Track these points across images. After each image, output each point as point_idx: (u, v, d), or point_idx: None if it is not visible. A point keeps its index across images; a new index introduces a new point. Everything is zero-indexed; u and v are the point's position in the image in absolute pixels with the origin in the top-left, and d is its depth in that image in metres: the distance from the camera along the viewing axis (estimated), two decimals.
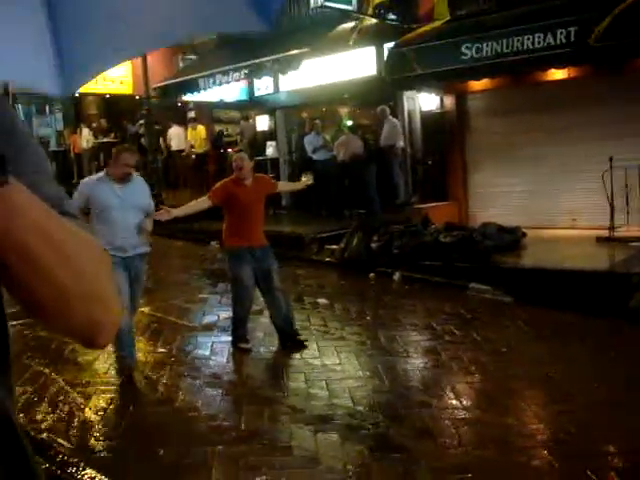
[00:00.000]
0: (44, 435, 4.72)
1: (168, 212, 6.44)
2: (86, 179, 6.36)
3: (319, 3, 11.94)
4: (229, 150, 18.20)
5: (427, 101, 14.20)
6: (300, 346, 6.75)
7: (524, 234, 11.18)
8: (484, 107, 13.88)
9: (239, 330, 6.72)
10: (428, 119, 14.19)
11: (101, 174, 6.06)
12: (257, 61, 14.05)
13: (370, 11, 12.62)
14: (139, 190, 6.11)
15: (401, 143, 13.82)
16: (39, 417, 4.90)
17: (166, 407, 5.34)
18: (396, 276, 9.77)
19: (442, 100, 14.32)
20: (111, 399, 5.50)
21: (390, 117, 13.84)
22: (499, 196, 13.55)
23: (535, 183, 12.99)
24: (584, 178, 12.18)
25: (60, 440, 4.72)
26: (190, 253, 12.11)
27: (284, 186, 8.06)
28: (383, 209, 13.38)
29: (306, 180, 7.72)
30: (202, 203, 6.75)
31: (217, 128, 20.70)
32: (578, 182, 12.42)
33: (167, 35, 1.70)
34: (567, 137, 12.43)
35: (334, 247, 10.90)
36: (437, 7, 12.61)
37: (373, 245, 10.41)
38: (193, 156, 18.59)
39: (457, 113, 14.15)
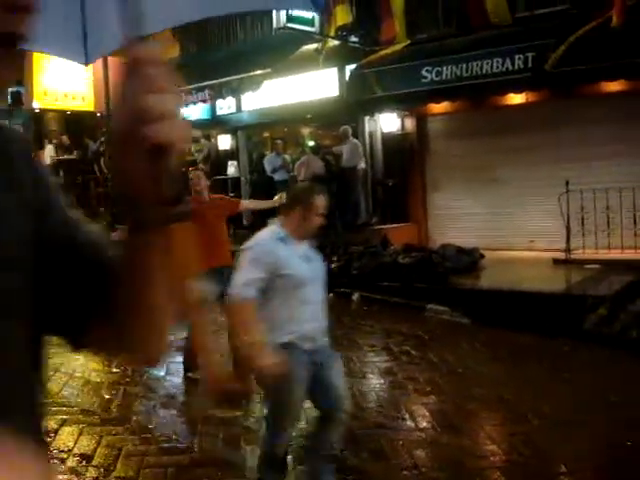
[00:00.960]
0: None
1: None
2: (261, 237, 4.12)
3: (282, 24, 11.98)
4: (190, 168, 18.12)
5: (388, 123, 14.31)
6: None
7: (482, 256, 11.29)
8: (444, 129, 14.04)
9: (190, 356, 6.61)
10: (389, 140, 14.31)
11: (276, 228, 4.15)
12: (220, 81, 14.07)
13: (332, 33, 12.72)
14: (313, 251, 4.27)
15: (363, 164, 13.89)
16: None
17: (119, 428, 5.27)
18: (355, 296, 9.79)
19: (403, 122, 14.45)
20: (63, 420, 5.41)
21: (352, 138, 13.91)
22: (458, 218, 13.68)
23: (493, 205, 13.16)
24: (541, 201, 12.35)
25: None
26: None
27: (252, 204, 8.02)
28: (343, 229, 13.40)
29: (279, 198, 7.70)
30: None
31: None
32: (535, 205, 12.60)
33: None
34: (525, 160, 12.62)
35: None
36: (399, 31, 12.75)
37: (333, 265, 10.42)
38: None
39: (417, 135, 14.30)
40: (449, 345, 7.84)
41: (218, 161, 16.89)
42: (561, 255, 11.03)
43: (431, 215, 14.27)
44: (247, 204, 7.81)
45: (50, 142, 21.88)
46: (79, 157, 21.54)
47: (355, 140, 13.98)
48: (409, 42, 12.66)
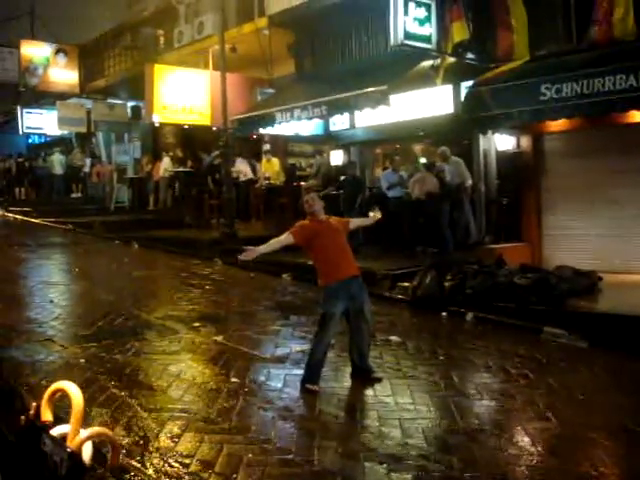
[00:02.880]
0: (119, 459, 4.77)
1: (254, 251, 6.53)
2: None
3: (399, 41, 11.96)
4: (302, 183, 18.37)
5: (503, 140, 14.10)
6: (373, 382, 6.75)
7: (600, 278, 10.97)
8: (561, 148, 13.72)
9: (316, 371, 6.71)
10: (503, 159, 14.09)
11: None
12: (335, 97, 14.16)
13: (449, 50, 12.64)
14: None
15: (470, 181, 13.72)
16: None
17: (239, 437, 5.36)
18: (469, 316, 9.66)
19: (518, 140, 14.22)
20: (185, 426, 5.54)
21: (452, 157, 13.79)
22: (573, 239, 13.34)
23: (612, 227, 12.76)
24: None
25: (134, 463, 4.79)
26: (262, 285, 12.18)
27: (359, 222, 8.06)
28: (455, 248, 13.28)
29: (374, 215, 7.75)
30: (284, 240, 6.74)
31: (289, 161, 20.95)
32: None
33: None
34: None
35: (406, 284, 10.84)
36: (517, 47, 12.56)
37: (446, 284, 10.32)
38: (263, 188, 18.78)
39: (533, 153, 14.05)
40: (568, 370, 7.63)
41: (331, 177, 16.99)
42: None
43: (545, 235, 13.94)
44: (357, 222, 7.85)
45: (167, 155, 22.57)
46: (194, 169, 22.15)
47: (456, 158, 13.84)
48: (527, 59, 12.46)
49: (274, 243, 6.74)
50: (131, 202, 24.53)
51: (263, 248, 6.63)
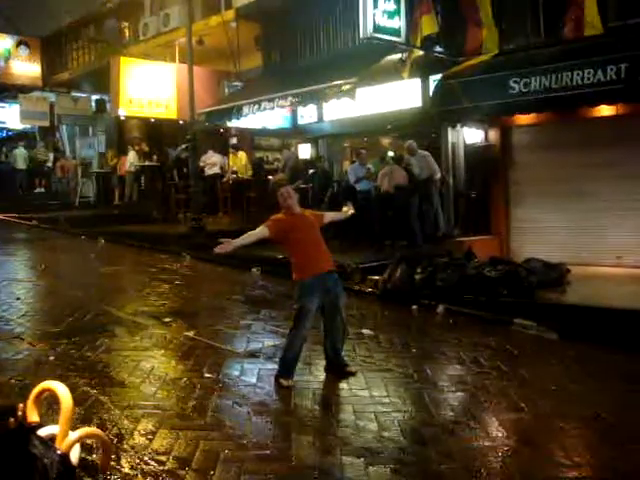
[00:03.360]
0: (93, 457, 4.68)
1: (229, 243, 6.44)
2: None
3: (368, 34, 11.94)
4: (269, 177, 18.30)
5: (471, 134, 14.17)
6: (348, 376, 6.73)
7: (568, 270, 11.06)
8: (529, 141, 13.83)
9: (291, 366, 6.68)
10: (472, 152, 14.17)
11: None
12: (302, 90, 14.11)
13: (418, 43, 12.66)
14: None
15: (439, 174, 13.75)
16: (89, 440, 4.85)
17: (214, 433, 5.30)
18: (439, 309, 9.68)
19: (486, 133, 14.30)
20: (159, 423, 5.47)
21: (419, 150, 13.80)
22: (542, 231, 13.47)
23: (579, 220, 12.91)
24: (630, 216, 12.06)
25: (110, 462, 4.70)
26: (231, 279, 12.11)
27: (332, 216, 7.95)
28: (424, 241, 13.31)
29: (347, 210, 7.70)
30: (259, 233, 6.65)
31: (257, 155, 20.86)
32: (624, 219, 12.31)
33: None
34: (613, 174, 12.37)
35: (376, 277, 10.84)
36: (485, 41, 12.62)
37: (417, 277, 10.34)
38: (230, 181, 18.68)
39: (501, 146, 14.14)
40: (539, 361, 7.69)
41: (298, 170, 16.95)
42: None
43: (514, 228, 14.06)
44: (331, 216, 7.74)
45: (133, 149, 22.33)
46: (159, 163, 21.95)
47: (424, 152, 13.85)
48: (496, 53, 12.52)
49: (248, 236, 6.66)
50: (96, 197, 24.24)
51: (238, 241, 6.55)
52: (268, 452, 4.99)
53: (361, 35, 12.17)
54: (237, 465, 4.73)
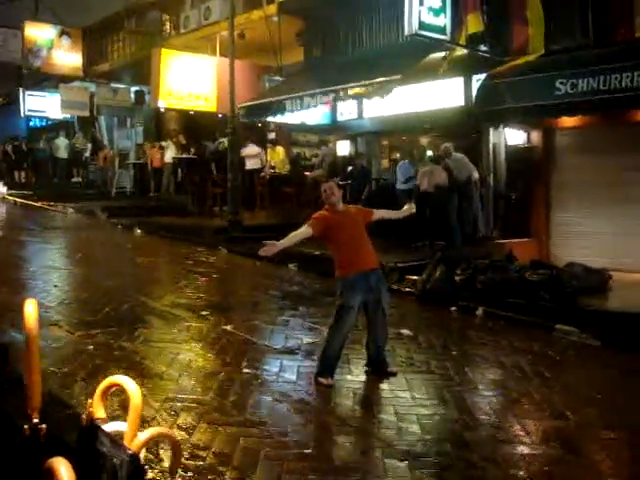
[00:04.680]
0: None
1: (274, 245, 6.34)
2: None
3: (413, 31, 11.79)
4: (306, 173, 18.24)
5: (513, 135, 13.97)
6: (388, 376, 6.64)
7: (610, 276, 10.85)
8: (573, 144, 13.60)
9: (331, 364, 6.60)
10: (513, 153, 13.96)
11: None
12: (343, 86, 14.01)
13: (463, 41, 12.49)
14: None
15: (476, 175, 13.53)
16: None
17: (254, 430, 5.24)
18: (479, 311, 9.55)
19: (529, 134, 14.10)
20: (199, 417, 5.42)
21: (454, 153, 13.56)
22: (583, 236, 13.23)
23: (622, 225, 12.64)
24: None
25: (149, 455, 4.65)
26: (268, 274, 12.05)
27: (384, 213, 7.70)
28: (462, 242, 13.15)
29: (409, 208, 7.55)
30: (303, 233, 6.53)
31: (294, 151, 20.80)
32: None
33: None
34: None
35: (415, 278, 10.71)
36: (532, 41, 12.40)
37: (456, 278, 10.20)
38: (268, 176, 18.63)
39: (544, 148, 13.94)
40: (582, 368, 7.55)
41: (337, 167, 16.86)
42: None
43: (554, 232, 13.84)
44: (382, 213, 7.54)
45: (171, 141, 22.37)
46: (197, 157, 21.95)
47: (459, 155, 13.60)
48: (542, 53, 12.31)
49: (293, 237, 6.53)
50: (133, 188, 24.33)
51: (283, 242, 6.43)
52: (309, 451, 4.92)
53: (406, 32, 12.01)
54: (278, 464, 4.67)
